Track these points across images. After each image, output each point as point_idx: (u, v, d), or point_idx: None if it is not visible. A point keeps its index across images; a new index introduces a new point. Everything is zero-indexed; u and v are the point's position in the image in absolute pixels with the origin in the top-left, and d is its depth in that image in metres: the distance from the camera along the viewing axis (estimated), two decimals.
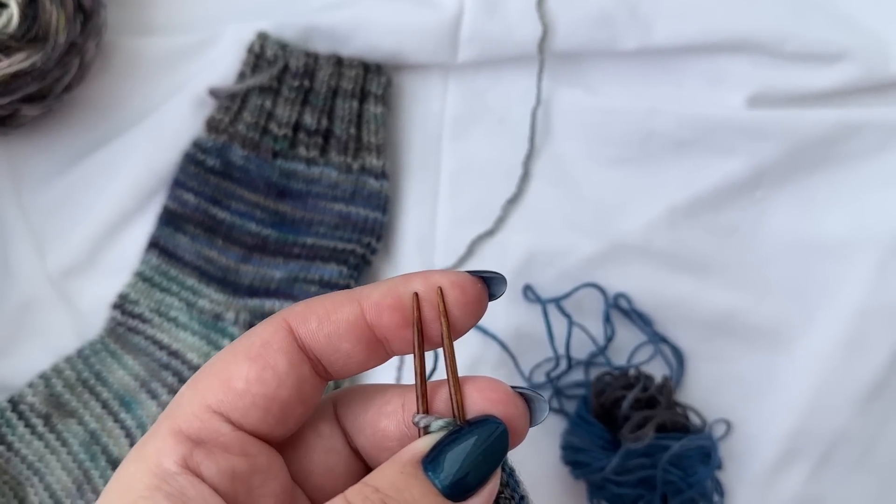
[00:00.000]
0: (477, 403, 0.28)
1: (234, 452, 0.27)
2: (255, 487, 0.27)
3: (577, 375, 0.62)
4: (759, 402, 0.61)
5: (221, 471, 0.27)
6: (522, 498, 0.30)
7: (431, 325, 0.29)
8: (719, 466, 0.57)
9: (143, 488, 0.26)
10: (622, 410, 0.56)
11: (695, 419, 0.60)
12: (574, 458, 0.57)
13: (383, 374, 0.60)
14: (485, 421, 0.28)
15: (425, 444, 0.27)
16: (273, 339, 0.28)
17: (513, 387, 0.29)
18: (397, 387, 0.31)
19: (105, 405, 0.59)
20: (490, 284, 0.29)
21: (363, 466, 0.30)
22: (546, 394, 0.61)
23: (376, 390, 0.31)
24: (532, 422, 0.29)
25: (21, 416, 0.58)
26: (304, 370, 0.28)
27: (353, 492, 0.26)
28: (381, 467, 0.27)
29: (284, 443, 0.29)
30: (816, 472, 0.60)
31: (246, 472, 0.27)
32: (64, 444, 0.58)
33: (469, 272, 0.29)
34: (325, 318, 0.28)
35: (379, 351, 0.29)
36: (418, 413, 0.29)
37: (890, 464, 0.61)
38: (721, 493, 0.58)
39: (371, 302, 0.29)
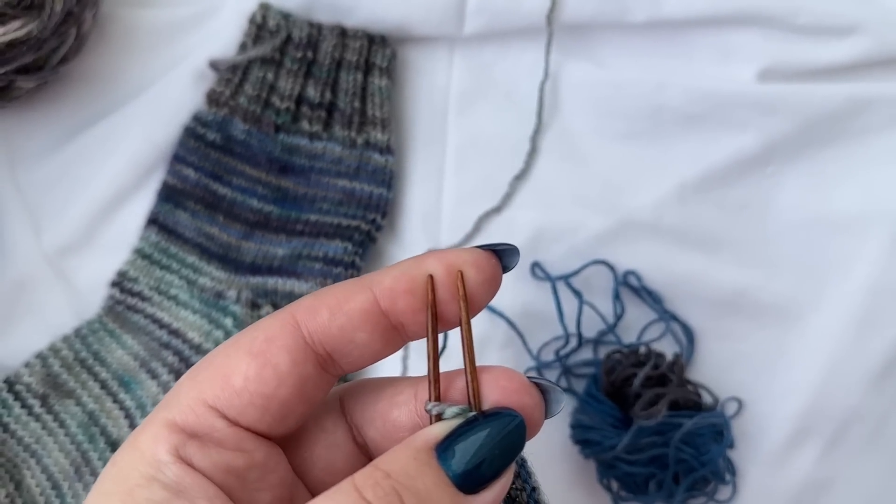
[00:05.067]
0: (492, 393, 0.28)
1: (228, 448, 0.27)
2: (251, 482, 0.27)
3: (587, 354, 0.61)
4: (770, 381, 0.60)
5: (215, 464, 0.26)
6: (534, 489, 0.30)
7: (445, 307, 0.28)
8: (731, 445, 0.56)
9: (139, 477, 0.26)
10: (633, 388, 0.56)
11: (707, 397, 0.59)
12: (584, 436, 0.56)
13: (387, 363, 0.59)
14: (501, 412, 0.27)
15: (439, 430, 0.27)
16: (277, 336, 0.27)
17: (529, 377, 0.28)
18: (408, 378, 0.30)
19: (104, 385, 0.58)
20: (503, 257, 0.29)
21: (365, 462, 0.30)
22: (555, 372, 0.60)
23: (387, 381, 0.30)
24: (547, 413, 0.28)
25: (17, 396, 0.57)
26: (308, 369, 0.27)
27: (363, 476, 0.25)
28: (393, 451, 0.26)
29: (286, 437, 0.29)
30: (828, 451, 0.59)
31: (241, 468, 0.27)
32: (61, 425, 0.57)
33: (482, 247, 0.29)
34: (336, 310, 0.28)
35: (395, 338, 0.28)
36: (430, 400, 0.28)
37: None
38: (733, 472, 0.58)
39: (384, 288, 0.28)
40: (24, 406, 0.57)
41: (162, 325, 0.60)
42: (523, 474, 0.30)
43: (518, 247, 0.29)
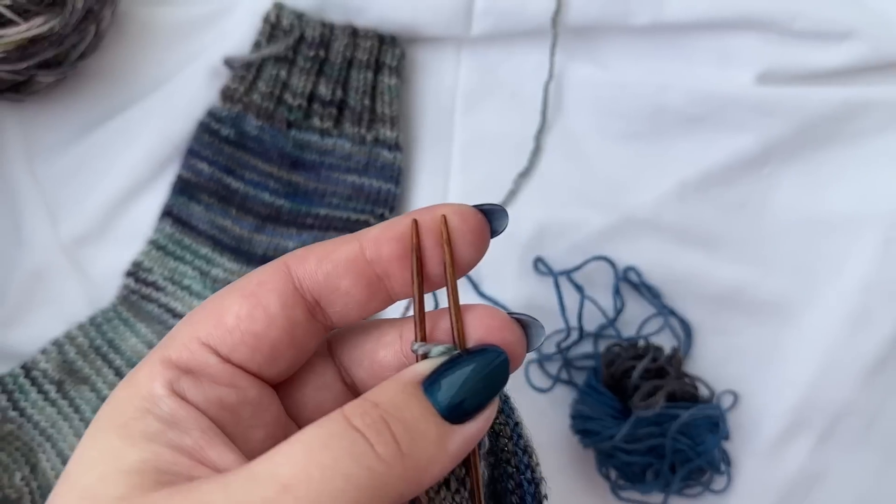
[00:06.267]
0: (476, 331, 0.29)
1: (221, 383, 0.28)
2: (244, 418, 0.28)
3: (587, 347, 0.62)
4: (765, 375, 0.62)
5: (208, 399, 0.27)
6: (517, 424, 0.31)
7: (432, 254, 0.29)
8: (727, 437, 0.58)
9: (134, 410, 0.27)
10: (632, 380, 0.57)
11: (703, 390, 0.60)
12: (584, 426, 0.58)
13: None
14: (486, 349, 0.28)
15: (426, 366, 0.27)
16: (269, 280, 0.28)
17: (510, 313, 0.29)
18: (394, 319, 0.31)
19: (118, 372, 0.59)
20: (491, 218, 0.29)
21: None
22: (556, 364, 0.62)
23: (372, 323, 0.31)
24: (529, 346, 0.29)
25: (34, 382, 0.58)
26: (297, 313, 0.29)
27: (352, 406, 0.26)
28: (382, 385, 0.27)
29: (280, 381, 0.30)
30: (821, 444, 0.61)
31: (234, 403, 0.28)
32: (76, 410, 0.58)
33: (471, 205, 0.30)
34: (324, 257, 0.29)
35: (379, 290, 0.29)
36: (417, 341, 0.29)
37: (893, 437, 0.61)
38: (728, 463, 0.59)
39: (370, 237, 0.29)
40: (40, 391, 0.58)
41: (175, 315, 0.61)
42: (506, 409, 0.31)
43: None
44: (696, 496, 0.59)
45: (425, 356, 0.28)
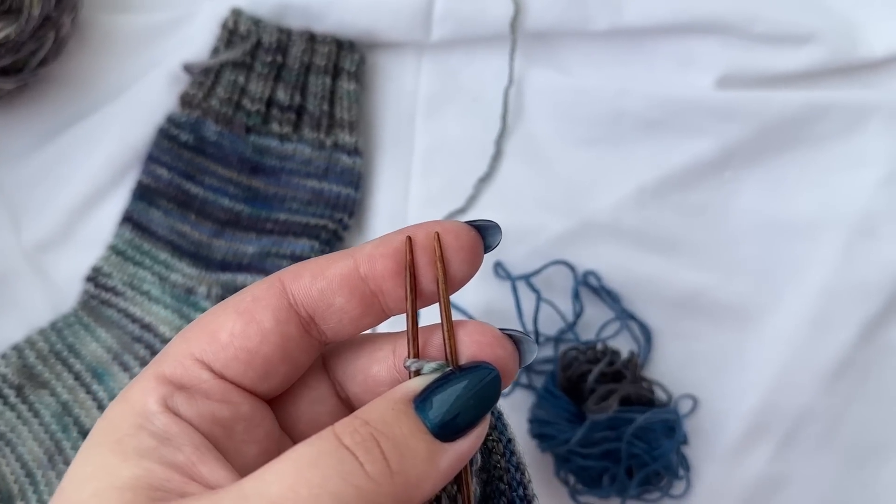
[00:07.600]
0: (468, 347, 0.29)
1: (214, 399, 0.28)
2: (237, 433, 0.28)
3: (547, 351, 0.62)
4: (726, 380, 0.62)
5: (201, 415, 0.27)
6: (510, 441, 0.31)
7: (425, 271, 0.29)
8: (685, 441, 0.58)
9: (128, 426, 0.27)
10: (588, 384, 0.57)
11: (660, 394, 0.60)
12: (541, 430, 0.58)
13: None
14: (478, 366, 0.28)
15: (417, 384, 0.28)
16: (263, 296, 0.29)
17: (501, 329, 0.29)
18: (387, 334, 0.31)
19: (77, 377, 0.60)
20: (485, 234, 0.30)
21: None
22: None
23: (366, 338, 0.31)
24: (521, 362, 0.29)
25: None
26: (291, 329, 0.29)
27: (343, 424, 0.26)
28: (373, 402, 0.27)
29: (274, 397, 0.30)
30: (781, 449, 0.60)
31: (227, 419, 0.28)
32: (36, 414, 0.58)
33: (464, 221, 0.30)
34: (318, 274, 0.29)
35: (373, 306, 0.29)
36: (409, 357, 0.29)
37: (853, 441, 0.61)
38: (687, 468, 0.59)
39: (364, 253, 0.29)
40: None
41: (134, 320, 0.61)
42: (500, 426, 0.31)
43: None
44: (654, 501, 0.59)
45: (418, 373, 0.29)
